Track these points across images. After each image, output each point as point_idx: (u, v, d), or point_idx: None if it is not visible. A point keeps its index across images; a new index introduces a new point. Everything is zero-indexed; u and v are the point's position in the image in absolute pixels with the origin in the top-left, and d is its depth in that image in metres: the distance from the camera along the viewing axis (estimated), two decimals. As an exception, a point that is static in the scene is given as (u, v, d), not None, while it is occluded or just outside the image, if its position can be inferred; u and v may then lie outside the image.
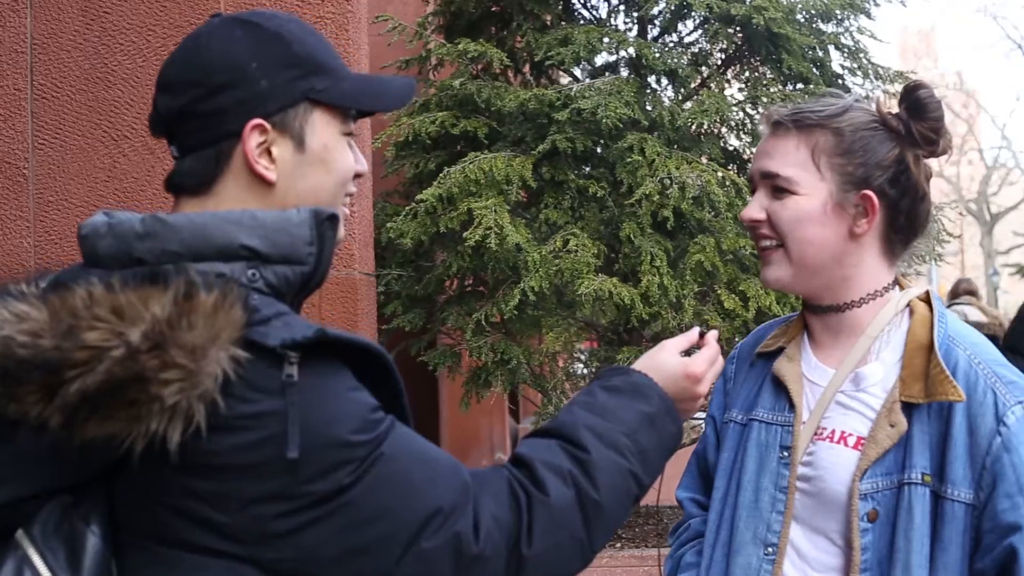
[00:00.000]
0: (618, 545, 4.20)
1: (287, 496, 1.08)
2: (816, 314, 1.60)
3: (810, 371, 1.59)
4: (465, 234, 3.78)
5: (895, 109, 1.57)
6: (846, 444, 1.50)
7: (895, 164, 1.53)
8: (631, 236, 3.94)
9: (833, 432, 1.52)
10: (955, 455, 1.42)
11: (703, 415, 1.80)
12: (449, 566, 1.14)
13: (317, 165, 1.25)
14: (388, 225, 4.00)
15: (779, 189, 1.54)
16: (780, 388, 1.60)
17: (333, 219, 1.23)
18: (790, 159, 1.54)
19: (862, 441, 1.48)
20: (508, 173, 3.89)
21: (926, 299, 1.56)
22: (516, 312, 3.94)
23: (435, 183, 3.93)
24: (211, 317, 1.05)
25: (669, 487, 1.84)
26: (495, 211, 3.78)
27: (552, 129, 4.05)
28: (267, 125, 1.20)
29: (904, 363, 1.49)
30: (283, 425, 1.07)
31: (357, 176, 1.31)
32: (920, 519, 1.42)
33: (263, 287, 1.16)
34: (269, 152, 1.22)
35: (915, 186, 1.56)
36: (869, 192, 1.52)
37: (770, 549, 1.53)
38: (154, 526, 1.10)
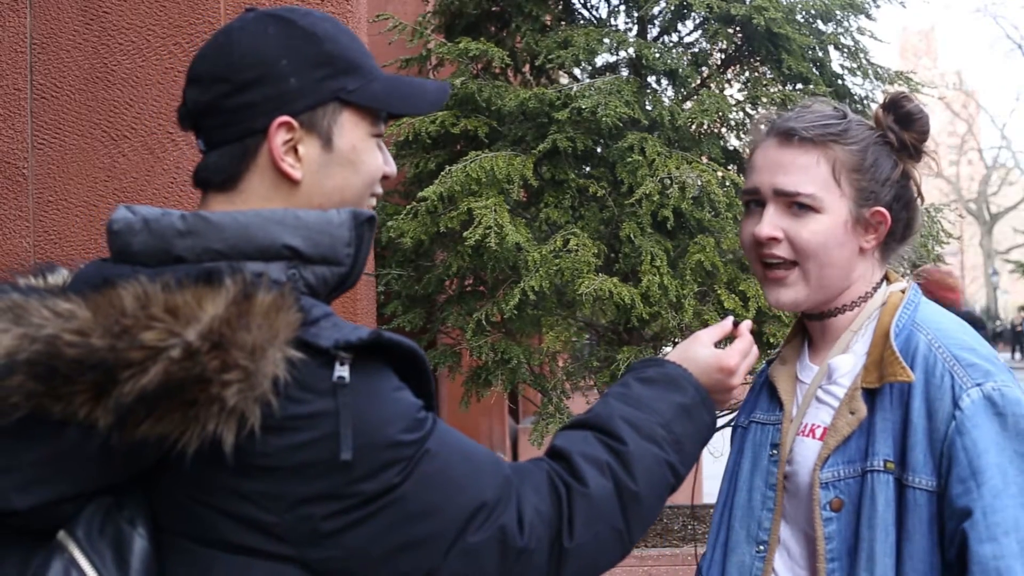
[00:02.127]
0: (618, 545, 4.19)
1: (337, 496, 1.08)
2: (810, 319, 1.61)
3: (802, 371, 1.60)
4: (465, 233, 3.78)
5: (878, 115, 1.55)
6: (814, 436, 1.51)
7: (900, 179, 1.53)
8: (631, 236, 3.94)
9: (806, 426, 1.53)
10: (915, 441, 1.40)
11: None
12: (495, 560, 1.14)
13: (345, 165, 1.24)
14: (388, 224, 4.00)
15: (801, 207, 1.48)
16: (773, 389, 1.62)
17: (372, 221, 1.23)
18: (811, 175, 1.48)
19: (827, 431, 1.49)
20: (508, 172, 3.89)
21: (903, 292, 1.56)
22: (516, 312, 3.94)
23: (435, 182, 3.93)
24: (268, 318, 1.04)
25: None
26: (495, 211, 3.78)
27: (552, 128, 4.05)
28: (294, 123, 1.19)
29: (869, 351, 1.49)
30: (334, 426, 1.06)
31: (385, 177, 1.31)
32: (883, 507, 1.40)
33: (302, 287, 1.15)
34: (295, 150, 1.21)
35: (913, 198, 1.56)
36: (882, 209, 1.51)
37: (761, 547, 1.54)
38: (196, 526, 1.09)
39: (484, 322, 4.02)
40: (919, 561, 1.38)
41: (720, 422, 4.25)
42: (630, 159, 3.96)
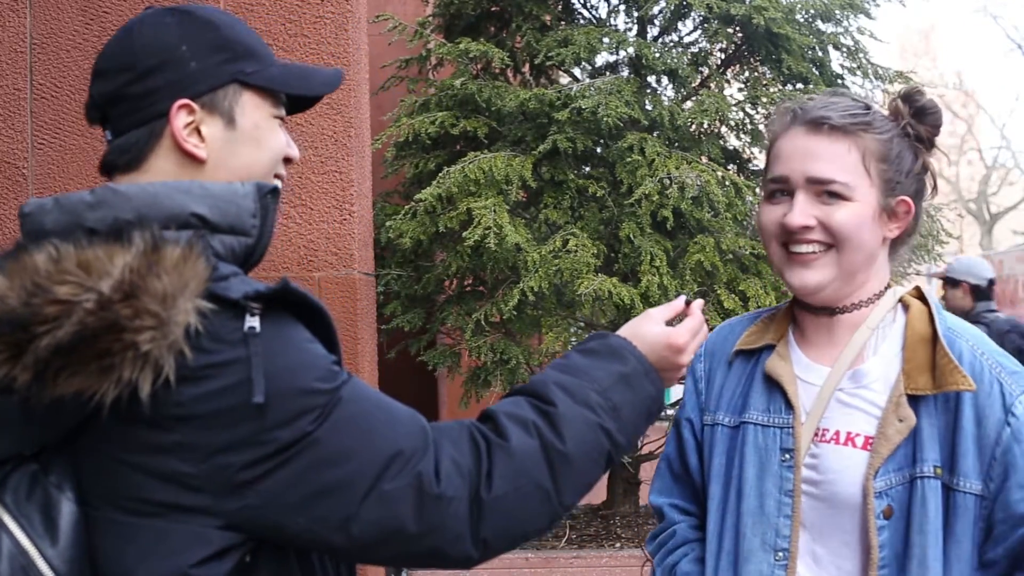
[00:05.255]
0: (618, 545, 4.20)
1: (252, 443, 1.10)
2: (813, 313, 1.57)
3: (802, 370, 1.56)
4: (464, 234, 3.79)
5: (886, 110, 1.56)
6: (854, 445, 1.48)
7: (921, 171, 1.54)
8: (631, 236, 3.94)
9: (838, 433, 1.50)
10: (965, 447, 1.42)
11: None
12: (411, 507, 1.15)
13: (249, 143, 1.28)
14: (387, 225, 4.00)
15: (833, 195, 1.48)
16: (774, 388, 1.56)
17: (275, 192, 1.26)
18: (843, 163, 1.48)
19: (870, 440, 1.47)
20: (508, 173, 3.90)
21: (918, 295, 1.56)
22: (515, 312, 3.94)
23: (434, 183, 3.93)
24: (178, 268, 1.08)
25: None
26: (494, 211, 3.78)
27: (552, 129, 4.05)
28: (194, 105, 1.24)
29: (906, 356, 1.48)
30: (246, 373, 1.09)
31: (288, 161, 1.34)
32: (934, 513, 1.42)
33: (210, 255, 1.18)
34: (199, 131, 1.25)
35: (925, 195, 1.57)
36: (907, 198, 1.52)
37: (780, 554, 1.51)
38: (118, 488, 1.11)
39: (483, 322, 4.02)
40: (965, 563, 1.41)
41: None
42: (630, 159, 3.96)
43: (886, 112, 1.56)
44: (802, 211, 1.48)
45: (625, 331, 1.40)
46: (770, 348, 1.60)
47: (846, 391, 1.51)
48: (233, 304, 1.11)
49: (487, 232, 3.73)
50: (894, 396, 1.46)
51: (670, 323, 1.41)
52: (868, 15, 4.57)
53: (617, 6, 4.66)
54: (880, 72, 4.53)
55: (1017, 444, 1.41)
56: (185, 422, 1.09)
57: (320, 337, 1.20)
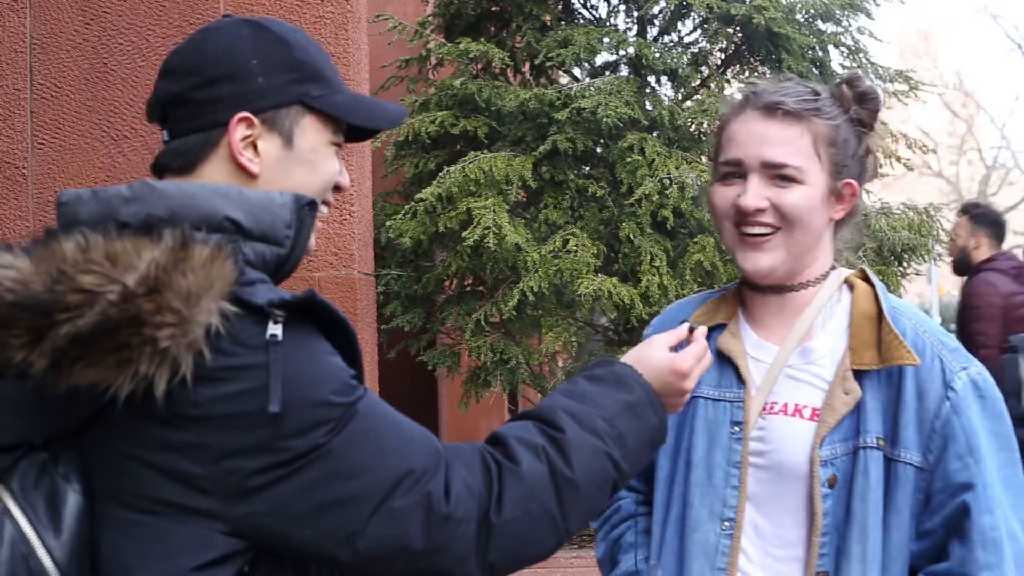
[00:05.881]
0: (618, 545, 4.20)
1: (265, 450, 1.10)
2: (761, 293, 1.61)
3: (752, 348, 1.60)
4: (464, 234, 3.79)
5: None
6: (801, 416, 1.53)
7: (864, 155, 1.59)
8: (631, 236, 3.95)
9: (786, 405, 1.54)
10: (907, 420, 1.48)
11: None
12: (419, 525, 1.15)
13: (303, 164, 1.28)
14: (387, 224, 4.01)
15: (786, 178, 1.52)
16: (725, 364, 1.60)
17: (313, 206, 1.26)
18: (795, 147, 1.53)
19: (817, 412, 1.52)
20: (508, 173, 3.90)
21: (863, 276, 1.61)
22: (515, 312, 3.94)
23: (434, 183, 3.93)
24: (205, 267, 1.08)
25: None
26: (494, 211, 3.78)
27: (552, 129, 4.05)
28: (255, 120, 1.24)
29: (852, 333, 1.54)
30: (264, 379, 1.09)
31: (338, 189, 1.35)
32: (876, 482, 1.47)
33: (239, 260, 1.18)
34: (255, 146, 1.25)
35: (868, 176, 1.63)
36: (853, 181, 1.57)
37: (727, 524, 1.55)
38: (126, 483, 1.11)
39: (483, 322, 4.02)
40: (903, 532, 1.47)
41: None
42: (630, 159, 3.96)
43: (831, 97, 1.60)
44: (756, 193, 1.53)
45: (629, 357, 1.41)
46: (721, 327, 1.64)
47: (795, 367, 1.56)
48: (257, 310, 1.11)
49: (487, 232, 3.73)
50: (840, 371, 1.52)
51: (674, 349, 1.43)
52: (868, 15, 4.58)
53: (617, 6, 4.67)
54: (880, 72, 4.54)
55: (956, 416, 1.46)
56: (199, 422, 1.09)
57: (341, 350, 1.19)
